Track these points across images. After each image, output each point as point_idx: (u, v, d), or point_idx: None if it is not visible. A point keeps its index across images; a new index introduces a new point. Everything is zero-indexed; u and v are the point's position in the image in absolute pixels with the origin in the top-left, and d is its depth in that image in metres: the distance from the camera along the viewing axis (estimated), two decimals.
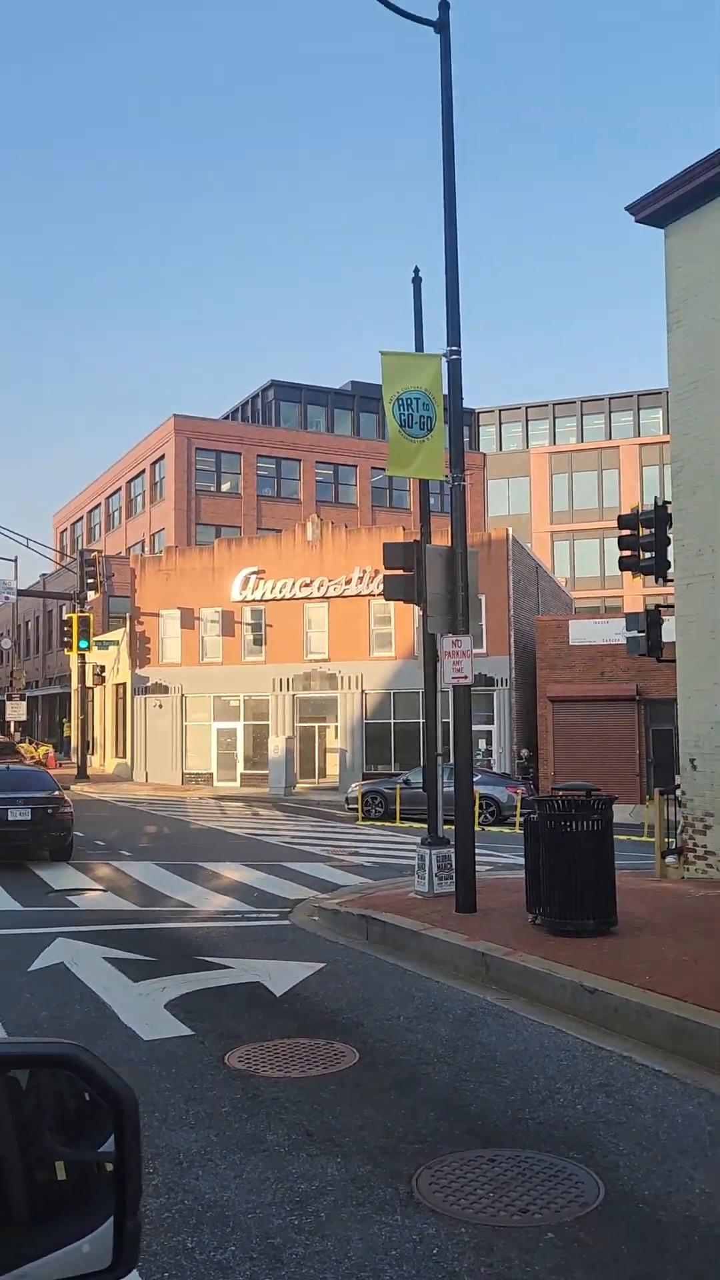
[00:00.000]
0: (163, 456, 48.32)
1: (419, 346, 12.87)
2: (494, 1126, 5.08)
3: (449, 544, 11.06)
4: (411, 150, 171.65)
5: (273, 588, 36.85)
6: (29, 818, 15.46)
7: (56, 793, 16.32)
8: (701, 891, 11.76)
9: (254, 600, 37.29)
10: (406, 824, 25.01)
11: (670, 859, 13.87)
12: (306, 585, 36.45)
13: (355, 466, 50.26)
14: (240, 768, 37.71)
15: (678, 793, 14.05)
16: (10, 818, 15.32)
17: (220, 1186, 4.36)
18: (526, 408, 61.26)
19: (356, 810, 27.07)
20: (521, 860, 10.96)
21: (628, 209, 13.96)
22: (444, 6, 10.70)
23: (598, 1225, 4.02)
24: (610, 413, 59.22)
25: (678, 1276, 3.66)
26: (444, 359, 10.73)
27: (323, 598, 36.35)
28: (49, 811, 15.69)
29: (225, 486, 48.09)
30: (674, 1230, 3.98)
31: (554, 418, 60.65)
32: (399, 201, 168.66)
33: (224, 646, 37.81)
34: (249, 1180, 4.43)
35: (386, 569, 11.68)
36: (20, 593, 44.39)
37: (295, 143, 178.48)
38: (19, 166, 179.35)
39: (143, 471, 51.03)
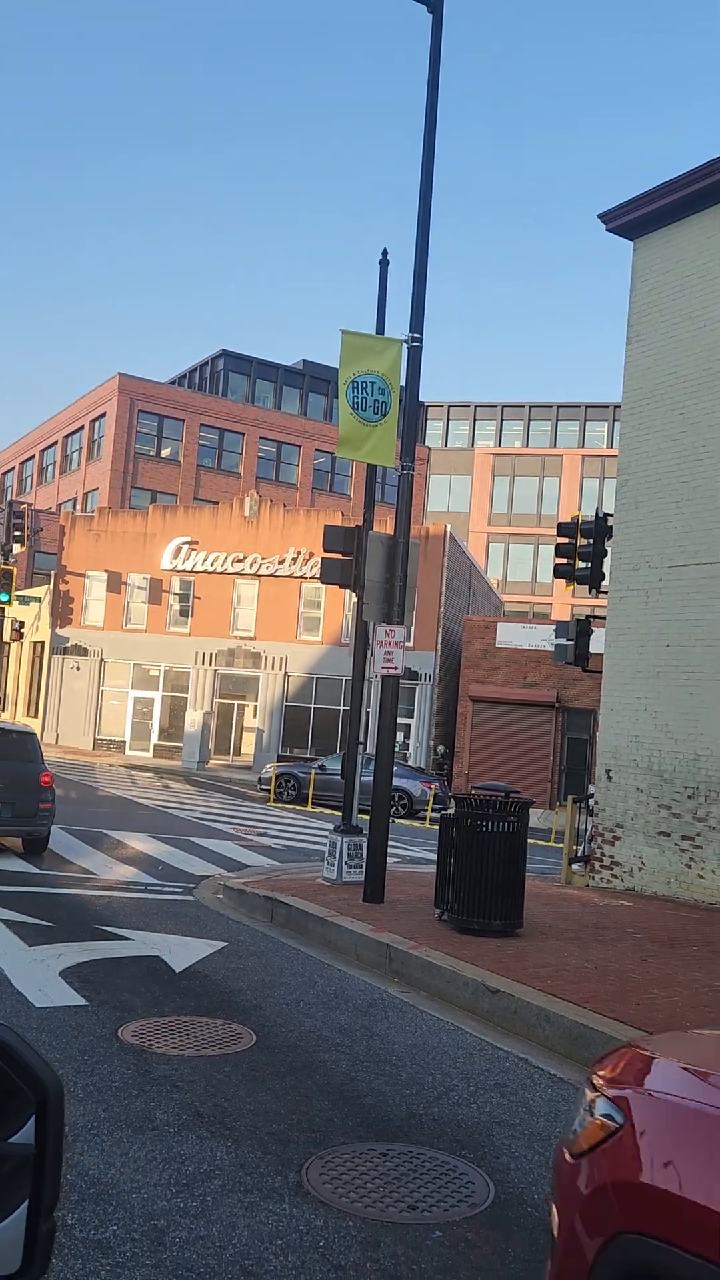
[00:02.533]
0: (103, 415, 47.38)
1: (380, 331, 12.73)
2: (388, 1120, 5.02)
3: (390, 533, 10.97)
4: (386, 130, 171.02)
5: (204, 560, 36.42)
6: None
7: None
8: (606, 900, 11.91)
9: (184, 571, 36.81)
10: (318, 809, 24.96)
11: (577, 866, 14.03)
12: (239, 561, 36.10)
13: (299, 446, 49.92)
14: (154, 738, 37.26)
15: (590, 802, 14.23)
16: None
17: (105, 1163, 4.22)
18: (475, 406, 61.56)
19: (269, 791, 26.94)
20: (430, 855, 10.96)
21: (600, 216, 14.01)
22: None
23: (486, 1226, 3.98)
24: (557, 421, 59.85)
25: None
26: (405, 345, 10.62)
27: (254, 575, 36.05)
28: None
29: (165, 452, 47.36)
30: None
31: (501, 420, 61.06)
32: (366, 183, 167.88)
33: (149, 614, 37.28)
34: (135, 1159, 4.30)
35: (325, 552, 11.56)
36: None
37: (265, 106, 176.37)
38: None
39: (81, 428, 49.96)
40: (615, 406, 50.56)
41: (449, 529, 35.18)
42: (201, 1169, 4.26)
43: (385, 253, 12.77)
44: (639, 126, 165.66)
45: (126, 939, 8.49)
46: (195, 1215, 3.85)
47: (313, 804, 25.87)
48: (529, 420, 60.51)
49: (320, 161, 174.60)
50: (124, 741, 37.44)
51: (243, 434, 48.65)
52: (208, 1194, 4.03)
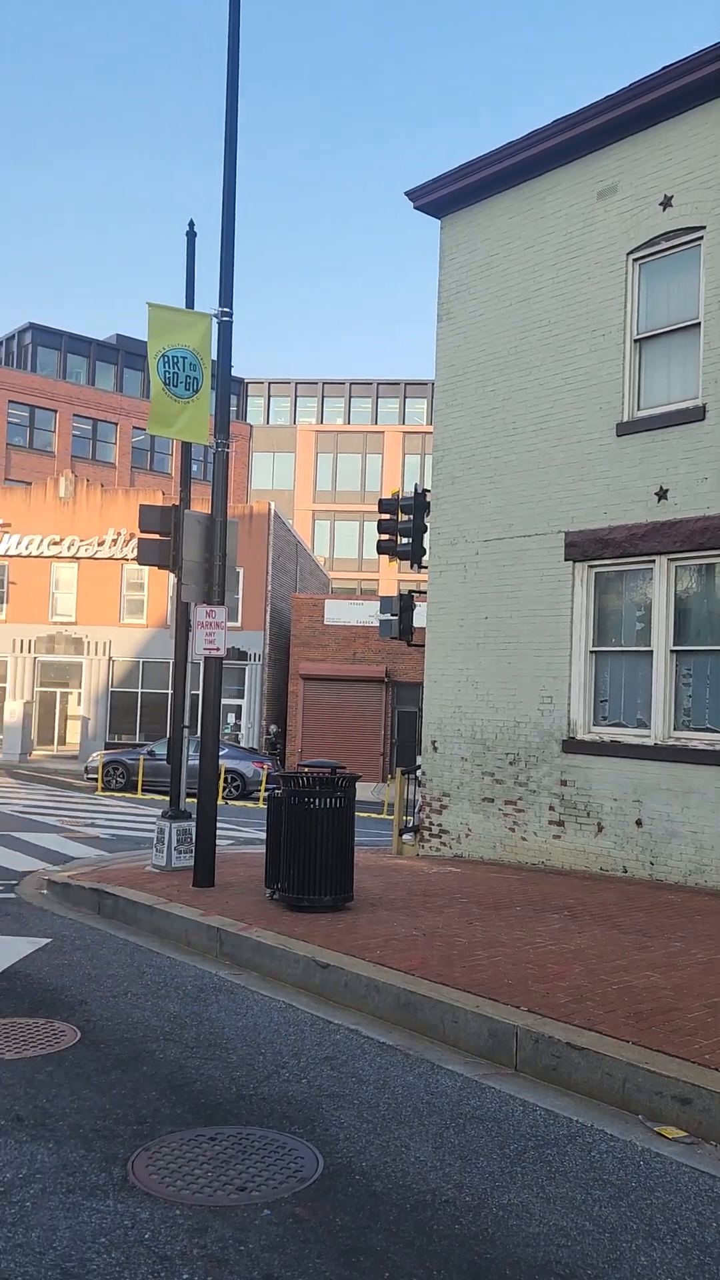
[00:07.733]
0: None
1: (190, 305, 12.48)
2: (217, 1104, 4.98)
3: (209, 511, 10.82)
4: (196, 100, 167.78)
5: (18, 543, 35.04)
6: None
7: None
8: (435, 868, 12.20)
9: None
10: (148, 796, 24.54)
11: (407, 836, 14.32)
12: (56, 544, 34.92)
13: (116, 424, 48.61)
14: None
15: (418, 773, 14.53)
16: None
17: None
18: (296, 383, 61.48)
19: (96, 780, 26.29)
20: (264, 835, 10.94)
21: (408, 194, 14.15)
22: None
23: (315, 1199, 4.01)
24: (378, 398, 60.50)
25: (388, 1244, 3.70)
26: (215, 319, 10.44)
27: (73, 558, 34.96)
28: None
29: None
30: (388, 1200, 4.03)
31: (323, 396, 61.23)
32: (179, 151, 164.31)
33: None
34: None
35: (142, 532, 11.28)
36: None
37: (71, 78, 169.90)
38: None
39: None
40: (433, 384, 51.66)
41: (273, 506, 35.07)
42: (20, 1174, 4.10)
43: (192, 224, 12.49)
44: (451, 111, 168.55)
45: None
46: (13, 1223, 3.70)
47: (143, 791, 25.42)
48: (350, 397, 60.92)
49: (126, 123, 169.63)
50: None
51: (55, 411, 46.96)
52: (26, 1199, 3.89)
